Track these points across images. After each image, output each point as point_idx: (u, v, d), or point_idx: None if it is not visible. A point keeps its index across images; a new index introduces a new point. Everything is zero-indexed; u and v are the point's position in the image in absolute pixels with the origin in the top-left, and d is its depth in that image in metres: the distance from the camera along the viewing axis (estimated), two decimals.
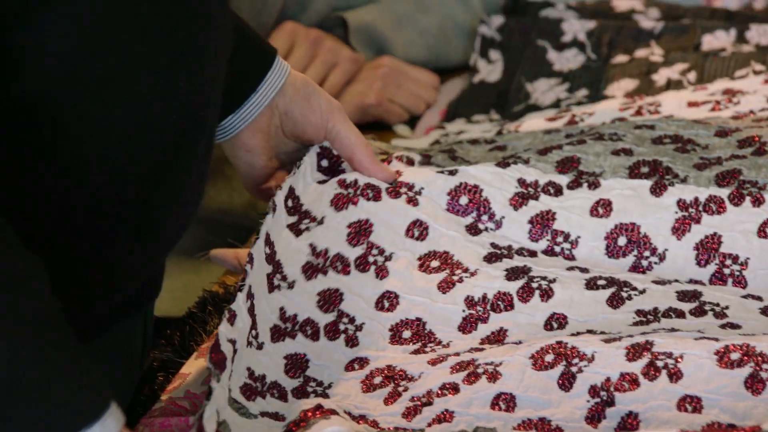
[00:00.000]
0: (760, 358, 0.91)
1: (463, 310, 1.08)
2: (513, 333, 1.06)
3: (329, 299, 1.07)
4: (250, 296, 1.01)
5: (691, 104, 1.35)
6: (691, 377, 0.91)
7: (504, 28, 1.63)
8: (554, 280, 1.08)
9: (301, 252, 1.08)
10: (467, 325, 1.08)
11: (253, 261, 1.03)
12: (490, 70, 1.60)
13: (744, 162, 1.16)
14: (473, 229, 1.14)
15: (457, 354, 1.03)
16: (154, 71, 0.93)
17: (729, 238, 1.10)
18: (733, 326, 1.00)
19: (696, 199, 1.12)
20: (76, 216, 0.94)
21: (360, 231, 1.11)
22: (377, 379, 1.02)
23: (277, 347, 1.02)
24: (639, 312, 1.04)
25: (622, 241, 1.12)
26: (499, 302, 1.08)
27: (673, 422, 0.90)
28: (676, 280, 1.08)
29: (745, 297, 1.05)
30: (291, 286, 1.06)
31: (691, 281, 1.09)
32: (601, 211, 1.14)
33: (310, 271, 1.08)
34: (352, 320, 1.07)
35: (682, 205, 1.12)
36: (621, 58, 1.57)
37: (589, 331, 1.03)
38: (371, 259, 1.11)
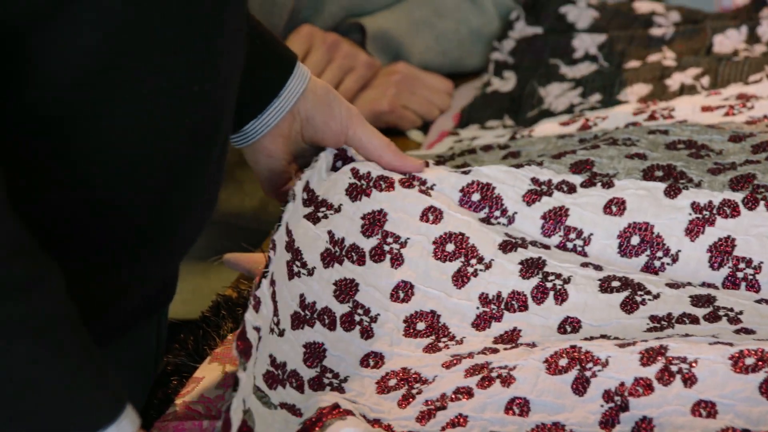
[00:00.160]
0: None
1: (477, 307, 1.09)
2: (526, 333, 1.06)
3: (345, 289, 1.08)
4: (272, 283, 1.01)
5: (705, 109, 1.34)
6: (705, 382, 0.91)
7: (516, 51, 1.64)
8: (569, 280, 1.08)
9: (319, 239, 1.08)
10: (481, 323, 1.08)
11: (276, 248, 1.03)
12: (504, 83, 1.61)
13: (758, 167, 1.15)
14: (486, 222, 1.14)
15: (471, 355, 1.03)
16: (168, 77, 0.93)
17: (743, 242, 1.09)
18: (748, 332, 1.00)
19: (710, 202, 1.12)
20: (88, 221, 0.95)
21: (374, 221, 1.11)
22: (392, 381, 1.02)
23: (297, 335, 1.03)
24: (653, 318, 1.04)
25: (635, 240, 1.12)
26: (513, 302, 1.08)
27: (688, 427, 0.90)
28: (689, 283, 1.08)
29: (758, 302, 1.05)
30: (311, 273, 1.06)
31: (704, 284, 1.09)
32: (614, 209, 1.14)
33: (329, 258, 1.08)
34: (367, 311, 1.07)
35: (696, 207, 1.12)
36: (634, 64, 1.57)
37: (603, 336, 1.03)
38: (386, 248, 1.11)
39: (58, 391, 0.83)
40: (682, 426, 0.90)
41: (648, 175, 1.16)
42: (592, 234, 1.13)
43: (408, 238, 1.11)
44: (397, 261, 1.11)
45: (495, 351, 1.04)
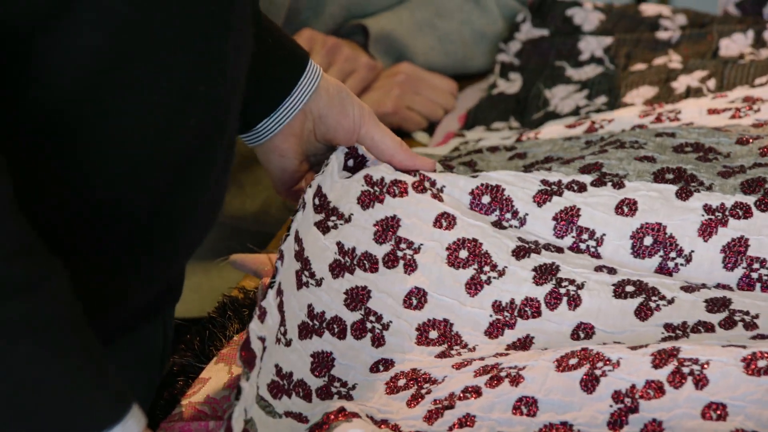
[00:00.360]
0: None
1: (491, 315, 1.08)
2: (539, 340, 1.06)
3: (356, 297, 1.07)
4: (280, 293, 1.01)
5: (711, 111, 1.34)
6: (717, 384, 0.91)
7: (522, 53, 1.63)
8: (582, 286, 1.08)
9: (328, 250, 1.08)
10: (494, 330, 1.08)
11: (284, 258, 1.03)
12: (509, 85, 1.61)
13: None
14: (498, 226, 1.14)
15: (482, 359, 1.03)
16: (175, 77, 0.93)
17: (756, 242, 1.09)
18: (764, 337, 0.99)
19: (722, 204, 1.12)
20: (93, 222, 0.94)
21: (387, 227, 1.11)
22: (401, 382, 1.02)
23: (304, 344, 1.02)
24: (668, 326, 1.03)
25: (648, 240, 1.12)
26: (527, 308, 1.08)
27: (698, 431, 0.89)
28: (704, 285, 1.08)
29: None
30: (319, 283, 1.06)
31: (718, 285, 1.08)
32: (626, 209, 1.13)
33: (338, 269, 1.08)
34: (379, 318, 1.07)
35: (708, 209, 1.12)
36: (639, 66, 1.57)
37: (616, 343, 1.03)
38: (399, 253, 1.10)
39: (59, 391, 0.82)
40: (691, 429, 0.89)
41: (659, 177, 1.16)
42: (604, 234, 1.13)
43: (421, 244, 1.11)
44: (410, 267, 1.10)
45: (506, 354, 1.03)
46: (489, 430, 0.94)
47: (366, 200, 1.12)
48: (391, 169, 1.15)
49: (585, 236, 1.13)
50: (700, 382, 0.91)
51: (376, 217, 1.11)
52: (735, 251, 1.09)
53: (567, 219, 1.14)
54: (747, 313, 1.02)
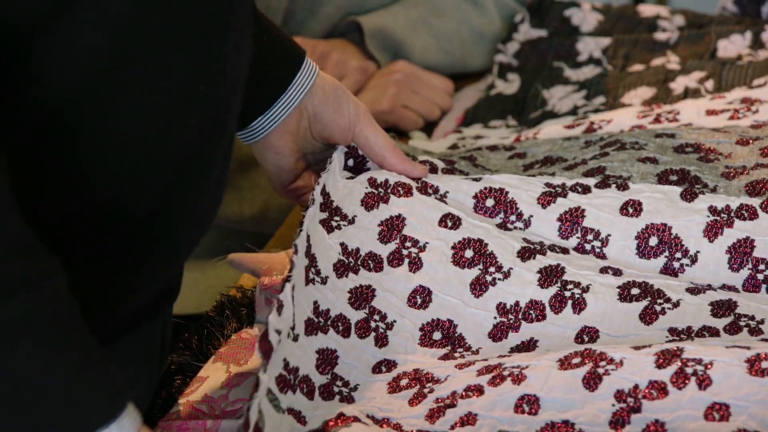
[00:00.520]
0: None
1: (495, 317, 1.08)
2: (543, 344, 1.05)
3: (361, 296, 1.07)
4: (293, 288, 1.01)
5: (710, 112, 1.34)
6: (720, 384, 0.91)
7: (520, 54, 1.63)
8: (587, 289, 1.07)
9: (332, 249, 1.08)
10: (498, 333, 1.07)
11: (298, 252, 1.03)
12: (507, 86, 1.61)
13: None
14: (503, 228, 1.14)
15: (486, 360, 1.02)
16: (175, 77, 0.93)
17: (762, 243, 1.09)
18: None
19: (727, 206, 1.11)
20: (93, 221, 0.94)
21: (392, 227, 1.11)
22: (403, 381, 1.02)
23: (310, 341, 1.02)
24: (672, 331, 1.03)
25: (653, 241, 1.12)
26: (531, 311, 1.07)
27: (700, 431, 0.89)
28: (710, 286, 1.07)
29: None
30: (324, 281, 1.06)
31: (724, 286, 1.08)
32: (631, 210, 1.13)
33: (342, 269, 1.07)
34: (383, 317, 1.07)
35: (713, 210, 1.12)
36: (638, 67, 1.56)
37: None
38: (404, 252, 1.10)
39: (58, 389, 0.82)
40: (693, 430, 0.89)
41: (662, 179, 1.16)
42: (609, 235, 1.13)
43: (427, 243, 1.11)
44: (415, 265, 1.10)
45: (510, 356, 1.03)
46: (490, 428, 0.94)
47: (370, 202, 1.11)
48: (396, 174, 1.14)
49: (590, 237, 1.13)
50: (704, 383, 0.91)
51: (380, 217, 1.11)
52: (741, 252, 1.09)
53: (572, 220, 1.13)
54: (752, 318, 1.02)
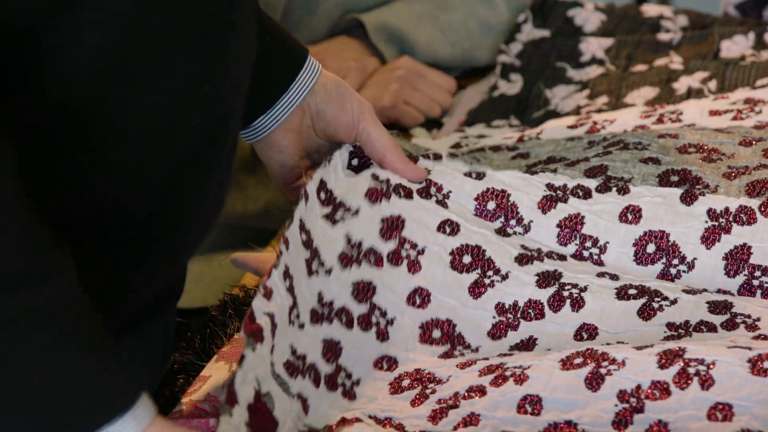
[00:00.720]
0: None
1: (494, 317, 1.08)
2: (542, 342, 1.06)
3: (363, 290, 1.07)
4: (289, 277, 1.00)
5: (713, 113, 1.34)
6: (723, 384, 0.91)
7: (522, 54, 1.63)
8: (585, 289, 1.08)
9: (337, 242, 1.08)
10: (497, 332, 1.08)
11: (289, 244, 1.02)
12: (510, 86, 1.60)
13: None
14: (502, 232, 1.14)
15: (487, 359, 1.02)
16: (179, 76, 0.93)
17: (758, 250, 1.09)
18: (766, 338, 0.99)
19: (726, 209, 1.12)
20: (96, 221, 0.94)
21: (393, 226, 1.11)
22: (405, 382, 1.02)
23: (316, 329, 1.02)
24: (670, 326, 1.03)
25: (651, 248, 1.12)
26: (530, 310, 1.08)
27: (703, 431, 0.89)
28: (705, 290, 1.08)
29: None
30: (328, 272, 1.05)
31: (719, 291, 1.08)
32: (630, 217, 1.14)
33: (346, 260, 1.07)
34: (384, 314, 1.07)
35: (712, 214, 1.12)
36: (640, 67, 1.56)
37: (620, 343, 1.02)
38: (404, 253, 1.10)
39: (74, 380, 0.83)
40: (697, 431, 0.89)
41: (664, 180, 1.16)
42: (608, 242, 1.13)
43: (425, 247, 1.11)
44: (414, 267, 1.10)
45: (510, 355, 1.03)
46: (493, 429, 0.94)
47: (373, 195, 1.11)
48: (396, 176, 1.14)
49: (588, 244, 1.13)
50: (706, 383, 0.91)
51: (383, 213, 1.11)
52: (737, 259, 1.10)
53: (571, 227, 1.14)
54: (749, 316, 1.03)
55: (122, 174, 0.93)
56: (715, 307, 1.05)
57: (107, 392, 0.84)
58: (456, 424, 0.95)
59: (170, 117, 0.94)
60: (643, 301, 1.06)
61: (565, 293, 1.08)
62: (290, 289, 1.00)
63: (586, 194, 1.15)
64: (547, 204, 1.15)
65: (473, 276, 1.10)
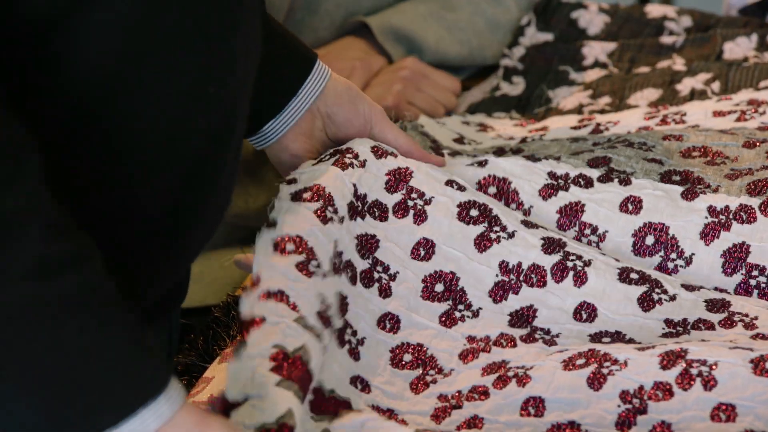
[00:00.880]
0: None
1: (497, 275, 1.09)
2: (542, 315, 1.06)
3: (365, 245, 1.07)
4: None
5: (717, 114, 1.34)
6: (726, 385, 0.91)
7: (525, 58, 1.63)
8: (589, 263, 1.08)
9: (346, 187, 1.08)
10: (499, 291, 1.08)
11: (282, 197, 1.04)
12: (512, 88, 1.61)
13: None
14: None
15: (488, 346, 1.02)
16: (184, 79, 0.93)
17: (757, 249, 1.09)
18: (765, 337, 0.99)
19: (727, 206, 1.12)
20: (103, 224, 0.94)
21: (399, 177, 1.11)
22: (407, 357, 1.02)
23: (335, 281, 1.01)
24: (668, 322, 1.04)
25: (649, 240, 1.12)
26: (533, 275, 1.08)
27: None
28: (703, 287, 1.08)
29: None
30: (341, 220, 1.05)
31: (716, 289, 1.08)
32: (630, 207, 1.14)
33: (352, 211, 1.07)
34: (386, 269, 1.07)
35: (712, 211, 1.12)
36: (643, 69, 1.56)
37: (618, 333, 1.03)
38: (410, 203, 1.11)
39: (112, 364, 0.82)
40: (701, 431, 0.89)
41: (666, 179, 1.16)
42: (607, 231, 1.13)
43: (433, 197, 1.11)
44: (420, 217, 1.10)
45: (512, 341, 1.03)
46: None
47: (378, 151, 1.12)
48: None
49: (587, 231, 1.14)
50: (709, 383, 0.91)
51: (388, 166, 1.11)
52: (735, 257, 1.10)
53: (571, 214, 1.14)
54: (746, 315, 1.03)
55: (131, 176, 0.93)
56: (712, 306, 1.05)
57: (143, 375, 0.83)
58: (459, 425, 0.96)
59: (176, 118, 0.94)
60: (644, 288, 1.06)
61: (569, 263, 1.08)
62: (303, 243, 1.00)
63: (588, 183, 1.16)
64: (547, 192, 1.15)
65: (480, 228, 1.10)
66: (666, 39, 1.60)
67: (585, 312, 1.06)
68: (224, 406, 0.87)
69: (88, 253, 0.83)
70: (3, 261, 0.79)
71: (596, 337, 1.04)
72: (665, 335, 1.03)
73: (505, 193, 1.16)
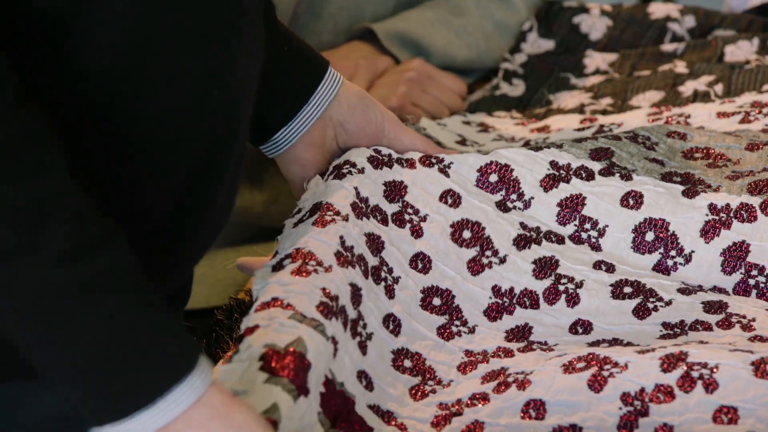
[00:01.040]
0: None
1: (490, 297, 1.09)
2: (537, 331, 1.06)
3: (374, 243, 1.07)
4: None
5: (721, 115, 1.34)
6: (727, 387, 0.91)
7: (527, 65, 1.63)
8: (581, 284, 1.08)
9: (348, 191, 1.08)
10: (493, 312, 1.09)
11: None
12: (513, 89, 1.61)
13: None
14: (502, 206, 1.14)
15: (486, 358, 1.02)
16: (188, 79, 0.93)
17: (757, 248, 1.09)
18: (763, 339, 0.99)
19: (727, 205, 1.12)
20: None
21: (396, 189, 1.11)
22: (407, 363, 1.02)
23: (343, 272, 1.01)
24: (666, 325, 1.04)
25: (649, 236, 1.12)
26: (525, 299, 1.09)
27: None
28: (701, 287, 1.08)
29: None
30: (345, 218, 1.05)
31: (715, 288, 1.09)
32: (631, 202, 1.14)
33: (357, 210, 1.07)
34: (390, 270, 1.07)
35: (713, 208, 1.12)
36: (645, 73, 1.56)
37: (615, 340, 1.03)
38: (407, 217, 1.11)
39: (147, 341, 0.83)
40: None
41: (666, 179, 1.16)
42: (607, 226, 1.13)
43: (427, 215, 1.11)
44: (417, 232, 1.10)
45: (510, 353, 1.03)
46: None
47: (375, 162, 1.12)
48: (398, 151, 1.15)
49: (587, 225, 1.14)
50: (710, 386, 0.91)
51: (385, 177, 1.12)
52: (735, 256, 1.10)
53: (571, 207, 1.14)
54: (744, 316, 1.03)
55: (131, 178, 0.93)
56: (710, 307, 1.05)
57: (176, 351, 0.84)
58: (460, 431, 0.96)
59: (180, 120, 0.94)
60: (638, 301, 1.06)
61: (561, 287, 1.08)
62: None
63: (589, 176, 1.16)
64: (549, 183, 1.15)
65: (472, 252, 1.11)
66: (667, 47, 1.60)
67: (581, 327, 1.06)
68: None
69: (115, 235, 0.84)
70: (38, 245, 0.80)
71: (594, 344, 1.04)
72: (663, 337, 1.03)
73: (506, 181, 1.15)
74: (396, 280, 1.07)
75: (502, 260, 1.11)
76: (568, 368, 0.96)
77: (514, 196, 1.15)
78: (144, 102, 0.91)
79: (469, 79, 1.64)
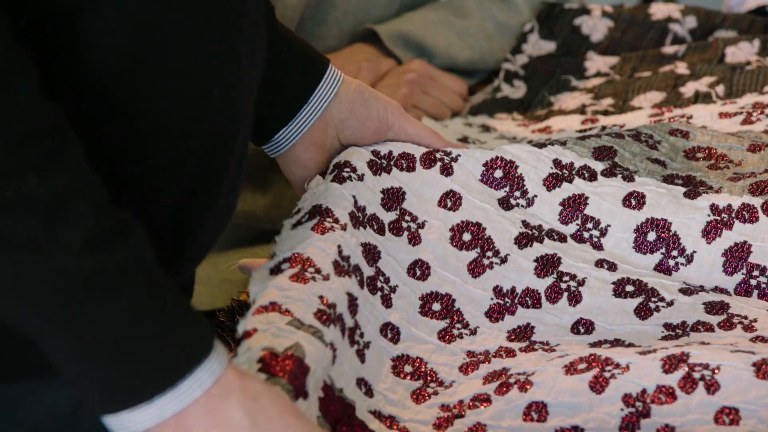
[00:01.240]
0: None
1: (492, 298, 1.09)
2: (539, 331, 1.06)
3: (369, 253, 1.07)
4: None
5: (723, 115, 1.34)
6: (728, 388, 0.91)
7: (528, 66, 1.63)
8: (583, 282, 1.08)
9: (346, 199, 1.08)
10: (494, 313, 1.09)
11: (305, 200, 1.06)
12: (514, 91, 1.61)
13: None
14: (505, 204, 1.14)
15: (488, 358, 1.03)
16: (190, 78, 0.93)
17: (759, 249, 1.10)
18: (764, 340, 0.99)
19: (729, 206, 1.12)
20: None
21: (393, 197, 1.11)
22: (408, 368, 1.02)
23: (341, 282, 1.01)
24: (667, 326, 1.04)
25: (651, 236, 1.13)
26: (527, 298, 1.09)
27: None
28: (702, 287, 1.08)
29: None
30: (344, 228, 1.05)
31: (716, 288, 1.09)
32: (633, 202, 1.14)
33: (354, 220, 1.07)
34: (387, 280, 1.08)
35: (715, 209, 1.12)
36: (646, 74, 1.56)
37: (617, 340, 1.03)
38: (404, 225, 1.11)
39: (166, 326, 0.84)
40: None
41: (668, 181, 1.17)
42: (609, 225, 1.14)
43: (425, 221, 1.12)
44: (415, 239, 1.11)
45: (511, 353, 1.03)
46: None
47: (374, 168, 1.12)
48: (399, 145, 1.15)
49: (589, 225, 1.14)
50: (712, 387, 0.91)
51: (383, 184, 1.12)
52: (737, 256, 1.10)
53: (574, 206, 1.14)
54: (745, 317, 1.03)
55: (132, 178, 0.93)
56: (711, 308, 1.05)
57: (194, 335, 0.85)
58: None
59: (181, 119, 0.94)
60: (640, 300, 1.06)
61: (563, 285, 1.09)
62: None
63: (592, 176, 1.16)
64: (552, 182, 1.16)
65: (472, 254, 1.11)
66: (667, 49, 1.60)
67: (582, 327, 1.06)
68: None
69: (132, 225, 0.84)
70: (59, 236, 0.81)
71: (596, 345, 1.04)
72: (665, 338, 1.03)
73: (511, 178, 1.16)
74: (393, 289, 1.07)
75: (503, 260, 1.11)
76: (570, 369, 0.96)
77: (517, 193, 1.15)
78: (145, 101, 0.91)
79: (471, 80, 1.64)
